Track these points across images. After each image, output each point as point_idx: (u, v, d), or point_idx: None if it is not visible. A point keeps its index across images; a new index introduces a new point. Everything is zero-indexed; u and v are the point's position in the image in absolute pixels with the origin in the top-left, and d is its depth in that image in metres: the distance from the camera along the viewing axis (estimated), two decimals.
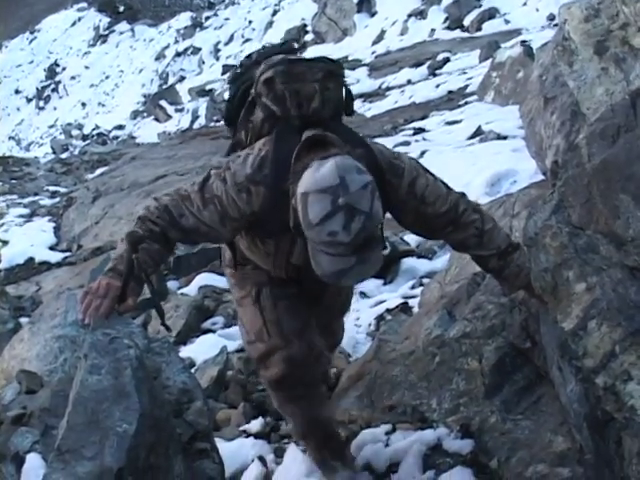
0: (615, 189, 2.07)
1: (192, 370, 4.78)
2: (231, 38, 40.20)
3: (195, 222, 2.61)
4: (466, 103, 11.72)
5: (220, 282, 6.72)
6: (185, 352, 5.29)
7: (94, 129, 37.73)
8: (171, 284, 7.26)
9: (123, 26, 56.78)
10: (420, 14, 26.57)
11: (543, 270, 2.19)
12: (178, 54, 43.81)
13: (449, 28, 24.13)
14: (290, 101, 2.67)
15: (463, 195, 2.82)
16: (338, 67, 2.80)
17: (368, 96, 17.34)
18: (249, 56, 3.07)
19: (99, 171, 16.91)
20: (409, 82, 17.11)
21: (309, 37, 31.48)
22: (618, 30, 3.14)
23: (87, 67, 54.06)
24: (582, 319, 2.10)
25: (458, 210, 2.74)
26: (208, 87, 31.43)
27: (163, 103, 33.53)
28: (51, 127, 45.11)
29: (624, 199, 2.05)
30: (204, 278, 7.04)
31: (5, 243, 11.07)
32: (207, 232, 2.65)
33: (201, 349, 5.32)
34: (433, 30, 24.59)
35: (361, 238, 2.27)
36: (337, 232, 2.26)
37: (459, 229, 2.77)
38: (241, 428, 3.86)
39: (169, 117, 31.85)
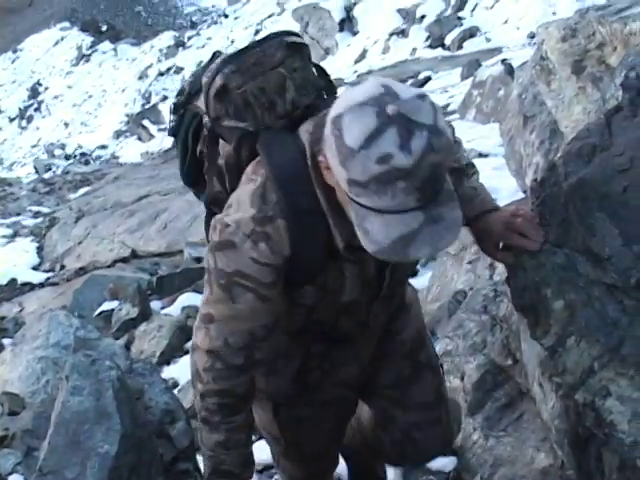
0: (591, 208, 2.10)
1: (175, 390, 4.78)
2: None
3: (247, 329, 2.05)
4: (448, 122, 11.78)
5: None
6: (168, 372, 5.29)
7: (77, 149, 37.63)
8: (154, 304, 7.26)
9: (106, 46, 56.76)
10: (402, 33, 26.71)
11: (522, 288, 2.20)
12: (161, 73, 43.84)
13: (431, 47, 24.27)
14: (258, 105, 2.06)
15: None
16: (295, 36, 2.18)
17: None
18: (180, 91, 2.33)
19: (82, 191, 16.86)
20: None
21: None
22: (595, 50, 3.19)
23: (70, 87, 53.94)
24: (561, 336, 2.11)
25: None
26: None
27: (146, 123, 33.50)
28: (34, 147, 44.94)
29: (600, 217, 2.07)
30: (187, 298, 7.05)
31: None
32: (265, 325, 2.08)
33: (185, 369, 5.28)
34: (415, 49, 24.73)
35: (428, 167, 1.68)
36: (392, 154, 1.66)
37: None
38: None
39: (152, 137, 31.80)
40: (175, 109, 2.31)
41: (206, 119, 2.16)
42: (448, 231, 1.75)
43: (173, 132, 2.31)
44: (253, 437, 3.01)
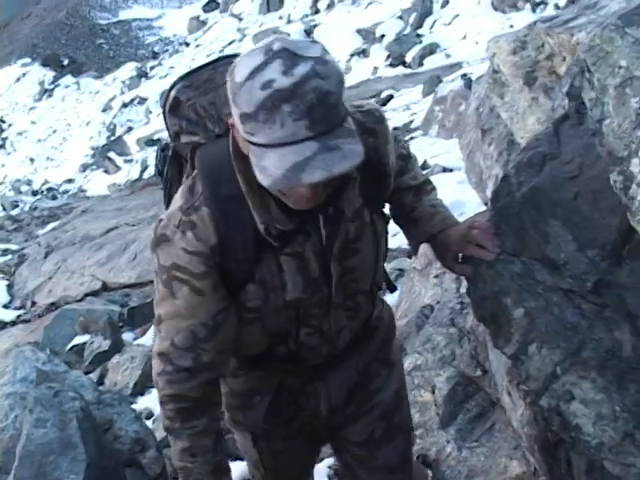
0: (545, 215, 2.13)
1: (150, 420, 4.76)
2: None
3: (188, 327, 2.04)
4: (412, 138, 11.86)
5: None
6: (143, 403, 5.27)
7: (44, 184, 37.40)
8: (126, 336, 7.24)
9: (68, 79, 56.64)
10: (362, 53, 26.93)
11: (482, 299, 2.23)
12: (125, 105, 43.76)
13: (391, 65, 24.47)
14: (208, 118, 2.12)
15: None
16: None
17: None
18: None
19: (50, 226, 16.77)
20: None
21: None
22: (545, 60, 3.23)
23: (34, 122, 53.71)
24: (522, 343, 2.14)
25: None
26: (156, 136, 31.39)
27: (112, 155, 33.42)
28: (0, 184, 44.69)
29: (554, 224, 2.11)
30: None
31: None
32: (205, 323, 2.05)
33: (157, 399, 5.29)
34: (376, 68, 24.92)
35: (313, 91, 1.67)
36: (274, 79, 1.68)
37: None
38: None
39: (118, 168, 31.72)
40: (161, 149, 2.35)
41: (169, 140, 2.25)
42: (344, 159, 1.71)
43: (159, 171, 2.36)
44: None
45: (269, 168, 1.73)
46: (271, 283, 2.06)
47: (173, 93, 2.18)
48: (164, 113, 2.24)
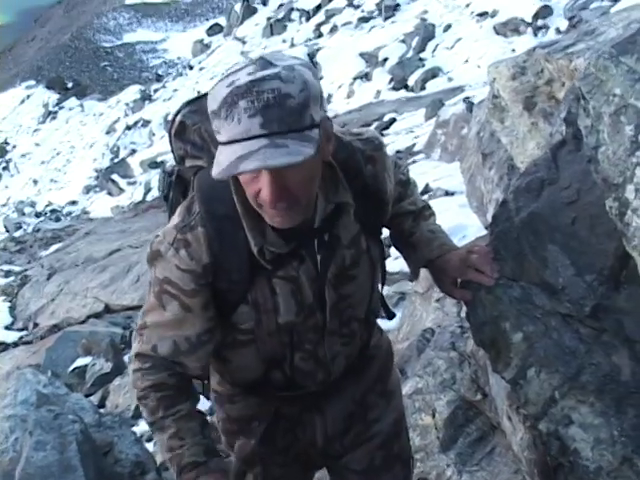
0: (543, 240, 2.15)
1: (151, 443, 4.75)
2: None
3: (172, 337, 2.08)
4: (414, 162, 11.90)
5: None
6: (143, 426, 5.25)
7: (47, 206, 37.50)
8: (128, 358, 7.23)
9: (72, 102, 56.94)
10: (365, 76, 27.08)
11: (481, 323, 2.24)
12: (128, 127, 43.93)
13: (394, 89, 24.58)
14: (212, 141, 2.07)
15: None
16: None
17: None
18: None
19: (53, 248, 16.84)
20: None
21: None
22: (544, 86, 3.26)
23: (38, 144, 53.95)
24: (521, 368, 2.15)
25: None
26: (159, 159, 31.53)
27: (115, 177, 33.53)
28: (3, 206, 44.74)
29: (552, 249, 2.12)
30: None
31: None
32: (188, 338, 2.08)
33: None
34: (379, 91, 25.03)
35: (271, 91, 1.72)
36: (238, 78, 1.75)
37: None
38: None
39: (122, 191, 31.81)
40: (167, 174, 2.36)
41: (174, 165, 2.28)
42: (286, 155, 1.72)
43: (164, 195, 2.36)
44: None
45: (220, 161, 1.77)
46: (264, 306, 2.07)
47: (179, 118, 2.23)
48: (170, 137, 2.28)
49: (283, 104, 1.73)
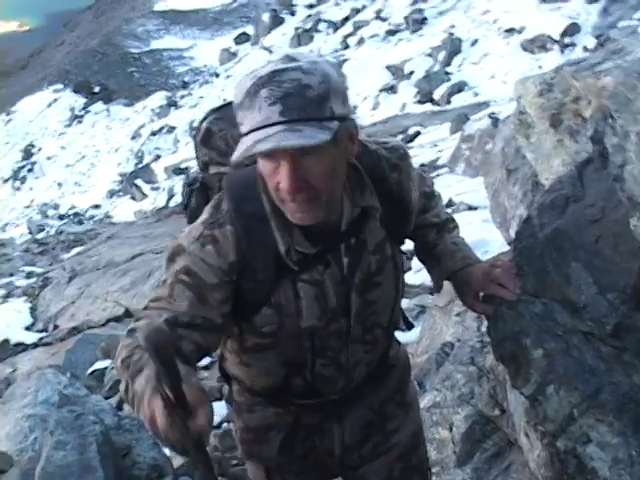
0: (567, 257, 2.15)
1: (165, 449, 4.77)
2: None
3: (169, 316, 1.90)
4: (437, 175, 11.88)
5: None
6: None
7: (70, 209, 37.69)
8: None
9: (99, 106, 57.27)
10: (391, 89, 27.06)
11: (502, 339, 2.24)
12: (153, 133, 44.11)
13: (420, 102, 24.55)
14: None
15: None
16: None
17: None
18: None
19: (75, 251, 16.93)
20: None
21: None
22: (571, 103, 3.25)
23: (63, 147, 54.29)
24: (540, 384, 2.14)
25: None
26: (183, 165, 31.61)
27: (139, 182, 33.64)
28: (27, 207, 45.04)
29: (575, 267, 2.12)
30: None
31: None
32: (190, 324, 1.93)
33: None
34: (404, 104, 25.01)
35: (291, 81, 1.76)
36: (262, 71, 1.80)
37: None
38: None
39: (145, 196, 31.91)
40: (187, 184, 2.38)
41: (197, 171, 2.31)
42: (299, 138, 1.75)
43: (185, 204, 2.38)
44: None
45: (239, 148, 1.80)
46: (287, 308, 2.05)
47: (205, 124, 2.27)
48: (195, 144, 2.31)
49: (303, 94, 1.77)
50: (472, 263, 2.34)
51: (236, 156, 1.81)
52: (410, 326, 2.51)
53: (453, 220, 2.47)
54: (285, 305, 2.05)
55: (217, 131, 2.24)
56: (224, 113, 2.25)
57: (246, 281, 2.01)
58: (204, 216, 2.04)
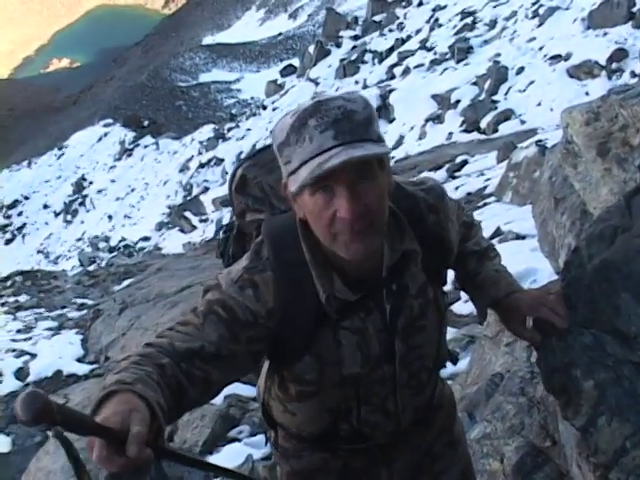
0: (616, 288, 2.14)
1: (219, 478, 4.79)
2: (253, 148, 40.96)
3: (194, 344, 1.84)
4: (485, 204, 11.84)
5: (245, 391, 6.76)
6: (211, 461, 5.30)
7: (120, 241, 38.21)
8: None
9: (148, 140, 58.18)
10: (437, 118, 27.09)
11: (551, 370, 2.23)
12: (201, 165, 44.65)
13: (466, 131, 24.55)
14: (273, 194, 2.19)
15: None
16: None
17: None
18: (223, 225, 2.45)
19: (125, 283, 17.11)
20: None
21: None
22: (618, 132, 3.24)
23: (113, 180, 55.15)
24: (592, 416, 2.12)
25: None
26: None
27: (187, 214, 34.00)
28: (78, 240, 45.72)
29: (625, 297, 2.11)
30: (230, 387, 7.03)
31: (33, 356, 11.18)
32: (215, 355, 1.86)
33: (227, 458, 5.35)
34: (451, 133, 25.02)
35: (338, 108, 1.79)
36: (302, 106, 1.83)
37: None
38: None
39: (194, 228, 32.24)
40: (223, 231, 2.42)
41: (233, 221, 2.34)
42: (367, 150, 1.77)
43: (221, 252, 2.41)
44: None
45: (298, 179, 1.80)
46: (328, 356, 2.03)
47: (240, 172, 2.29)
48: (230, 192, 2.33)
49: (351, 118, 1.80)
50: (516, 290, 2.32)
51: (297, 184, 1.80)
52: (455, 361, 2.49)
53: (494, 249, 2.45)
54: (326, 353, 2.03)
55: (252, 178, 2.26)
56: (258, 160, 2.27)
57: (286, 329, 1.98)
58: (244, 262, 2.01)
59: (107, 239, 40.66)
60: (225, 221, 28.16)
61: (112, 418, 1.48)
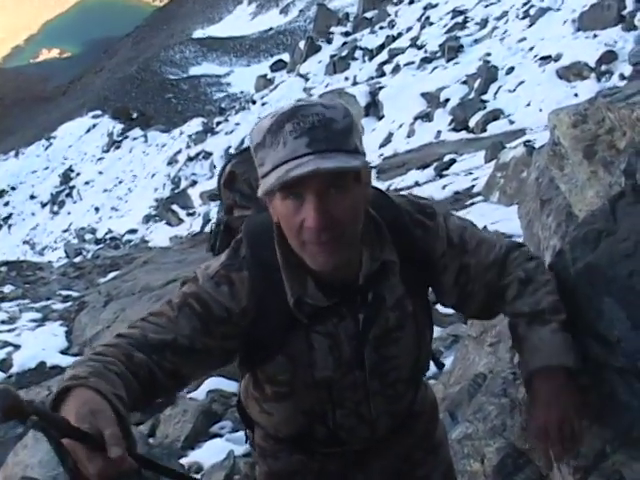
0: (599, 292, 2.13)
1: (199, 475, 4.78)
2: (242, 143, 40.94)
3: (167, 336, 1.86)
4: (472, 204, 11.87)
5: (228, 386, 6.75)
6: (193, 457, 5.28)
7: (107, 233, 38.09)
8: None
9: (136, 132, 58.00)
10: (426, 116, 27.12)
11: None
12: (190, 159, 44.55)
13: (455, 130, 24.59)
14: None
15: (522, 245, 2.25)
16: None
17: None
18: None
19: (111, 275, 17.05)
20: (416, 184, 17.21)
21: None
22: (605, 135, 3.24)
23: (101, 172, 54.95)
24: None
25: (509, 256, 2.15)
26: None
27: (175, 207, 33.93)
28: (65, 231, 45.55)
29: (608, 301, 2.10)
30: (212, 382, 7.06)
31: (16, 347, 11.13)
32: (188, 349, 1.88)
33: (209, 454, 5.32)
34: (439, 132, 25.06)
35: (315, 115, 1.77)
36: (281, 110, 1.81)
37: (503, 276, 2.13)
38: None
39: (181, 221, 32.17)
40: (216, 225, 2.41)
41: (222, 214, 2.34)
42: (337, 162, 1.74)
43: (211, 245, 2.41)
44: None
45: (266, 182, 1.79)
46: (300, 358, 2.02)
47: (229, 167, 2.33)
48: (219, 187, 2.36)
49: (329, 126, 1.78)
50: (544, 366, 2.00)
51: (265, 188, 1.79)
52: (441, 366, 2.47)
53: (554, 311, 2.08)
54: (298, 355, 2.02)
55: (240, 174, 2.30)
56: (247, 156, 2.21)
57: (259, 329, 1.98)
58: (222, 258, 2.02)
59: (94, 231, 40.50)
60: (212, 215, 28.13)
61: (80, 424, 1.48)
